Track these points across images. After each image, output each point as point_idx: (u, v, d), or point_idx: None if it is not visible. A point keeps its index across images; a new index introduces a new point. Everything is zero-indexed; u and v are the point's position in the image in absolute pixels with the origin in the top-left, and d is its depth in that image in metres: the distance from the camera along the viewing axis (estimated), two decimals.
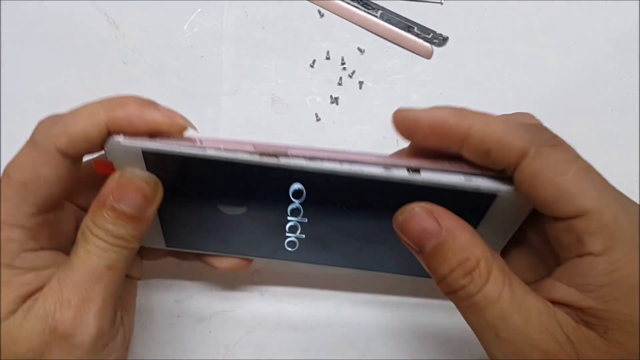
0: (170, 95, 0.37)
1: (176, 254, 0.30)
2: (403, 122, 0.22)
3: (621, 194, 0.21)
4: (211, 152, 0.22)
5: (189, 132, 0.23)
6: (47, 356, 0.22)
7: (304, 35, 0.38)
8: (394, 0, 0.38)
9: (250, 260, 0.30)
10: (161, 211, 0.25)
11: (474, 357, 0.34)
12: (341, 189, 0.23)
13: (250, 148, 0.22)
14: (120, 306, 0.26)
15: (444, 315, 0.34)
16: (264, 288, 0.35)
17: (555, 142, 0.21)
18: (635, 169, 0.36)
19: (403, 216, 0.22)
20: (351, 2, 0.38)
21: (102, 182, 0.23)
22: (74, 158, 0.22)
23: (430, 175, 0.22)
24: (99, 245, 0.22)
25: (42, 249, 0.23)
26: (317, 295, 0.35)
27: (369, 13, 0.38)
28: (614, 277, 0.19)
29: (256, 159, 0.22)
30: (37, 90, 0.37)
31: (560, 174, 0.20)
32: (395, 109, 0.22)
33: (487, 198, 0.23)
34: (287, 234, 0.27)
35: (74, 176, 0.23)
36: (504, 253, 0.26)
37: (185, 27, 0.38)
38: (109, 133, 0.22)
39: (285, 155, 0.22)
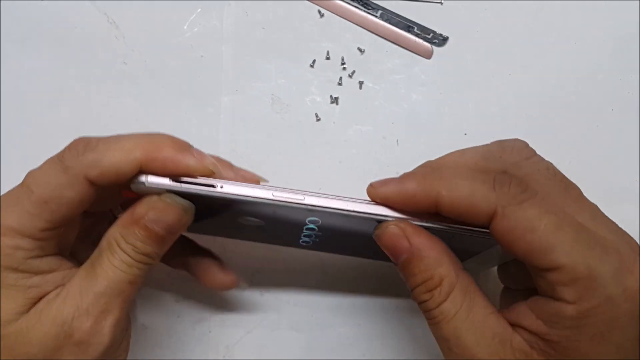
0: (170, 95, 0.37)
1: (167, 261, 0.30)
2: (376, 199, 0.24)
3: (605, 236, 0.21)
4: (231, 197, 0.23)
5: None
6: (57, 357, 0.22)
7: (304, 35, 0.38)
8: (394, 0, 0.38)
9: (236, 280, 0.31)
10: None
11: None
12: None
13: (270, 195, 0.23)
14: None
15: None
16: (264, 288, 0.35)
17: (522, 199, 0.21)
18: (635, 169, 0.36)
19: (379, 231, 0.24)
20: (351, 2, 0.38)
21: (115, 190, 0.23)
22: (100, 187, 0.23)
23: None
24: (125, 260, 0.23)
25: (47, 255, 0.24)
26: (317, 295, 0.35)
27: (369, 13, 0.38)
28: (581, 323, 0.20)
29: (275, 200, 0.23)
30: (37, 90, 0.37)
31: (530, 231, 0.21)
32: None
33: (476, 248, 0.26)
34: (302, 238, 0.28)
35: (93, 199, 0.24)
36: None
37: (185, 27, 0.38)
38: (140, 171, 0.23)
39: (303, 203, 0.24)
